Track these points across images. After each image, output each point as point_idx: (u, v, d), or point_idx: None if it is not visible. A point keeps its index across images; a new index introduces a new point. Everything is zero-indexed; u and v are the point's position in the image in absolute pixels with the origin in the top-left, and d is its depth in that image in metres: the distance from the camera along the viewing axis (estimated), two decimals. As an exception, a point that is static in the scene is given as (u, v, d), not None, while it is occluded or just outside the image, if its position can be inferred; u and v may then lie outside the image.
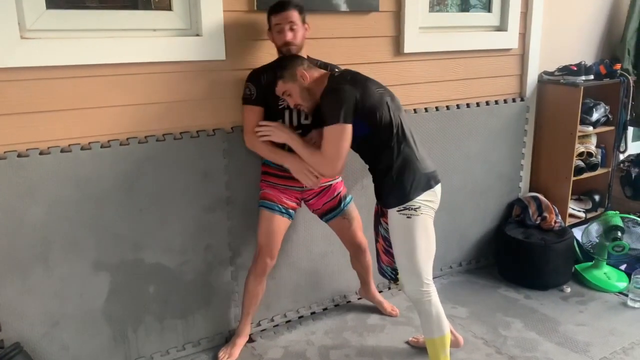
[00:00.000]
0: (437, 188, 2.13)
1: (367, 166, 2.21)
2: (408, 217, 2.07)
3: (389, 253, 2.31)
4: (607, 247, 3.21)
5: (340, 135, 2.01)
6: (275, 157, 2.33)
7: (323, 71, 2.22)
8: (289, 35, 2.24)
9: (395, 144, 2.06)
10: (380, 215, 2.28)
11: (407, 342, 2.64)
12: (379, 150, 2.10)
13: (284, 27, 2.24)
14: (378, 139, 2.08)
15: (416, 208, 2.06)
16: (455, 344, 2.49)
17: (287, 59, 2.21)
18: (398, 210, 2.08)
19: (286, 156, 2.30)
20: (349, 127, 2.01)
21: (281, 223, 2.44)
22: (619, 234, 3.18)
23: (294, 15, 2.25)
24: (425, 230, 2.10)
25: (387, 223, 2.19)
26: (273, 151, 2.32)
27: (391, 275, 2.39)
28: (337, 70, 2.33)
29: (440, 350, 2.18)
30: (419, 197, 2.06)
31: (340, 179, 2.54)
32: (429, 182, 2.09)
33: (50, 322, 2.21)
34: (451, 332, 2.45)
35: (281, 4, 2.25)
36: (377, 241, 2.40)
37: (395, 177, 2.07)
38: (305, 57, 2.29)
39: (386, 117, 2.05)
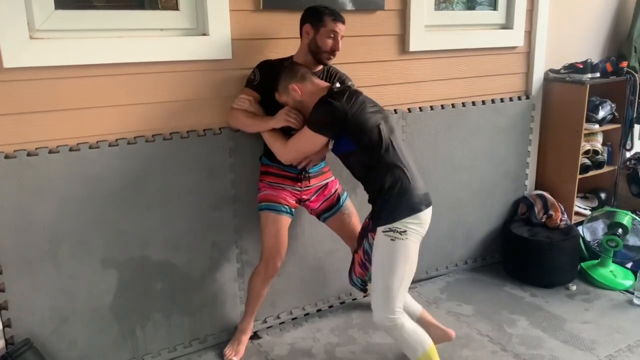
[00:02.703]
0: (427, 212, 2.11)
1: (364, 187, 2.20)
2: (392, 240, 2.05)
3: (364, 266, 2.31)
4: (602, 239, 3.23)
5: (310, 141, 2.13)
6: (256, 122, 2.31)
7: (322, 84, 2.22)
8: (340, 45, 2.30)
9: (385, 165, 2.06)
10: (369, 230, 2.26)
11: None
12: (369, 170, 2.11)
13: (338, 36, 2.28)
14: (367, 158, 2.09)
15: (402, 232, 2.05)
16: (445, 337, 2.47)
17: (288, 68, 2.24)
18: (384, 231, 2.07)
19: (264, 119, 2.29)
20: (321, 139, 2.10)
21: (287, 223, 2.45)
22: (620, 231, 3.20)
23: (344, 29, 2.31)
24: (406, 256, 2.07)
25: (374, 239, 2.19)
26: (251, 118, 2.31)
27: (361, 286, 2.39)
28: (345, 84, 2.36)
29: None
30: (406, 220, 2.05)
31: (333, 177, 2.55)
32: (418, 205, 2.07)
33: (59, 318, 2.24)
34: (438, 327, 2.45)
35: (341, 14, 2.29)
36: (356, 252, 2.38)
37: (386, 196, 2.06)
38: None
39: (375, 138, 2.06)
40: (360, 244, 2.33)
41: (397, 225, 2.05)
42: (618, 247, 3.20)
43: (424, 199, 2.11)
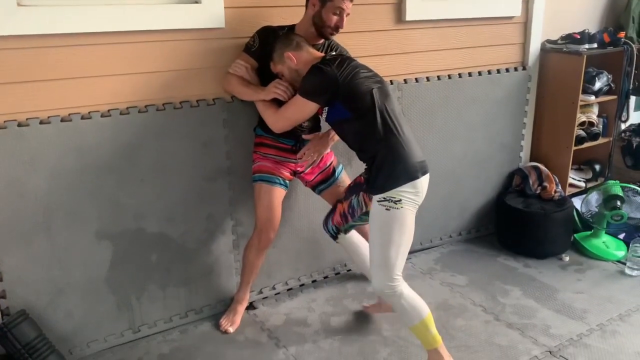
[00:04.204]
0: (424, 180, 2.09)
1: (358, 156, 2.19)
2: (387, 210, 2.04)
3: (344, 217, 2.34)
4: (606, 215, 3.23)
5: (301, 108, 2.12)
6: (248, 90, 2.30)
7: (318, 54, 2.20)
8: (344, 23, 2.25)
9: (380, 132, 2.03)
10: (362, 190, 2.25)
11: (364, 308, 2.67)
12: (363, 137, 2.09)
13: (344, 13, 2.23)
14: (361, 125, 2.07)
15: (397, 201, 2.03)
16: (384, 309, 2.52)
17: (283, 37, 2.21)
18: (378, 201, 2.05)
19: (256, 89, 2.28)
20: (312, 106, 2.09)
21: (281, 195, 2.44)
22: (618, 203, 3.20)
23: (350, 7, 2.25)
24: (402, 225, 2.06)
25: (365, 203, 2.22)
26: (246, 85, 2.30)
27: (334, 233, 2.44)
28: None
29: (425, 332, 2.15)
30: (401, 188, 2.03)
31: (329, 150, 2.52)
32: (414, 173, 2.05)
33: (54, 290, 2.24)
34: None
35: None
36: (341, 202, 2.38)
37: (380, 165, 2.05)
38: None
39: (368, 104, 2.03)
40: (349, 197, 2.33)
41: (392, 194, 2.03)
42: (623, 219, 3.20)
43: (420, 166, 2.08)
